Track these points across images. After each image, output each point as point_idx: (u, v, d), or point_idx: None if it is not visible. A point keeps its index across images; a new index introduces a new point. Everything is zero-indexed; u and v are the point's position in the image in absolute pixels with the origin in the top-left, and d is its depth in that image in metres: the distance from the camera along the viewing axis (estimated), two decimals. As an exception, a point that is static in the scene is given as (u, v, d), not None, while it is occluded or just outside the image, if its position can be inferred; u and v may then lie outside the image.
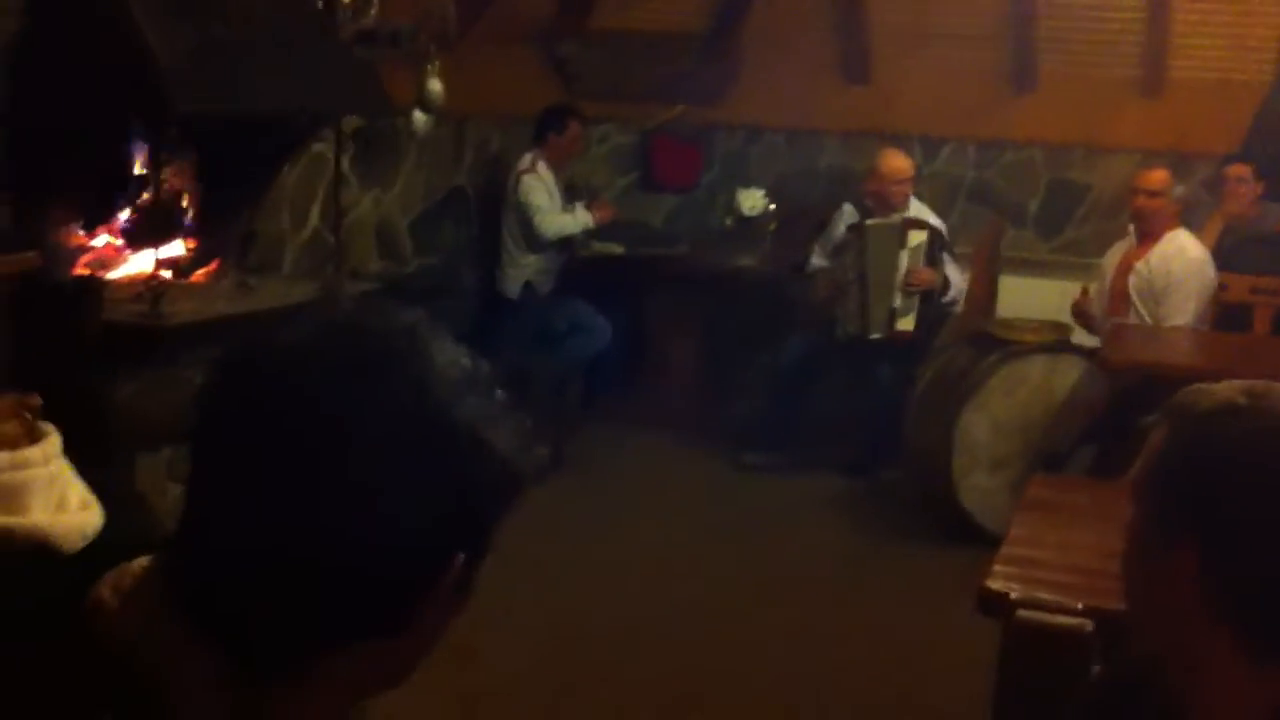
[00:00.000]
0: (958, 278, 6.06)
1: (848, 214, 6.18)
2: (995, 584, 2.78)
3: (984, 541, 4.74)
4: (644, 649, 4.22)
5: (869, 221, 6.00)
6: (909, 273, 5.89)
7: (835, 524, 5.48)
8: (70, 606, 1.11)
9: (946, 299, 6.02)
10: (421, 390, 0.92)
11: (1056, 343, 5.37)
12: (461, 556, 0.96)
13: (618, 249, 6.51)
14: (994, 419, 5.18)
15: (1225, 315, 5.49)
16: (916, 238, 5.92)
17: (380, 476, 0.90)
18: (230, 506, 0.92)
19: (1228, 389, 1.37)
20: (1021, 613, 2.58)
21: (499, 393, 0.98)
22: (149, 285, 4.00)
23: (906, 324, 5.92)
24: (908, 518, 5.46)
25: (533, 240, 6.13)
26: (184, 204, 4.57)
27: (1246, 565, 1.29)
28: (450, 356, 0.96)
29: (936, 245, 5.96)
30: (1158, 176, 5.46)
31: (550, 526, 4.96)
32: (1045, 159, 7.04)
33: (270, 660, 0.94)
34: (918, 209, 6.10)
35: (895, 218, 6.00)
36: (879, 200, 6.05)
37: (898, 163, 6.06)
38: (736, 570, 4.92)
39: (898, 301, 5.92)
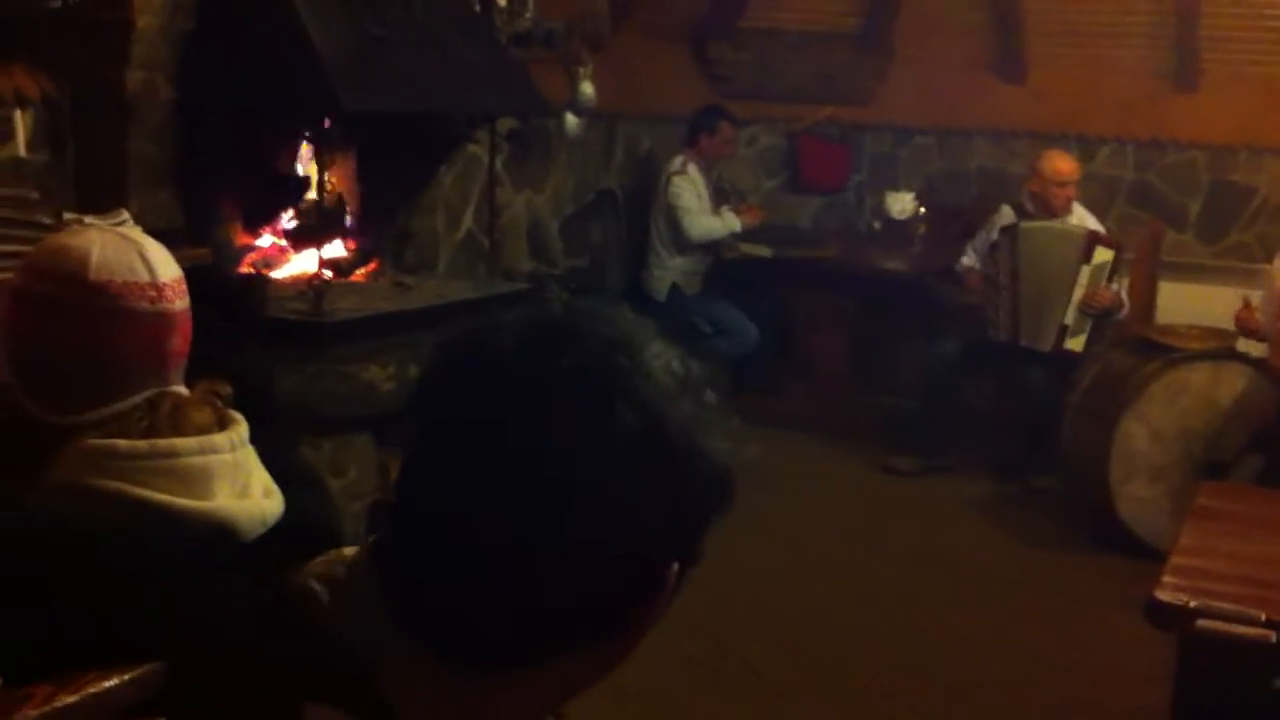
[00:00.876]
0: (1125, 296, 5.84)
1: (1005, 215, 6.03)
2: (1168, 594, 2.70)
3: (1140, 552, 4.64)
4: (791, 652, 4.20)
5: (1024, 224, 5.84)
6: (1091, 293, 5.67)
7: (986, 529, 5.39)
8: (253, 590, 1.13)
9: (1121, 316, 5.82)
10: (640, 402, 0.92)
11: (1221, 350, 5.20)
12: (677, 565, 0.96)
13: (765, 251, 6.48)
14: (1154, 427, 5.03)
15: None
16: (1103, 255, 5.69)
17: (601, 489, 0.90)
18: (450, 510, 0.92)
19: None
20: (1201, 623, 2.50)
21: (710, 394, 0.97)
22: (311, 284, 4.10)
23: (1077, 344, 5.71)
24: (1061, 525, 5.34)
25: (681, 242, 6.14)
26: (345, 205, 4.68)
27: None
28: (663, 361, 0.96)
29: (1118, 262, 5.74)
30: None
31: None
32: (1207, 160, 6.82)
33: (488, 663, 0.95)
34: (1080, 215, 5.92)
35: (1066, 224, 5.80)
36: (1040, 202, 5.90)
37: (1062, 164, 5.88)
38: (886, 574, 4.87)
39: (1070, 319, 5.70)
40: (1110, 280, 5.72)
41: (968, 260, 6.17)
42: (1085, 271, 5.69)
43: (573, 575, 0.90)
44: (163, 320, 1.78)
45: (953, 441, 5.96)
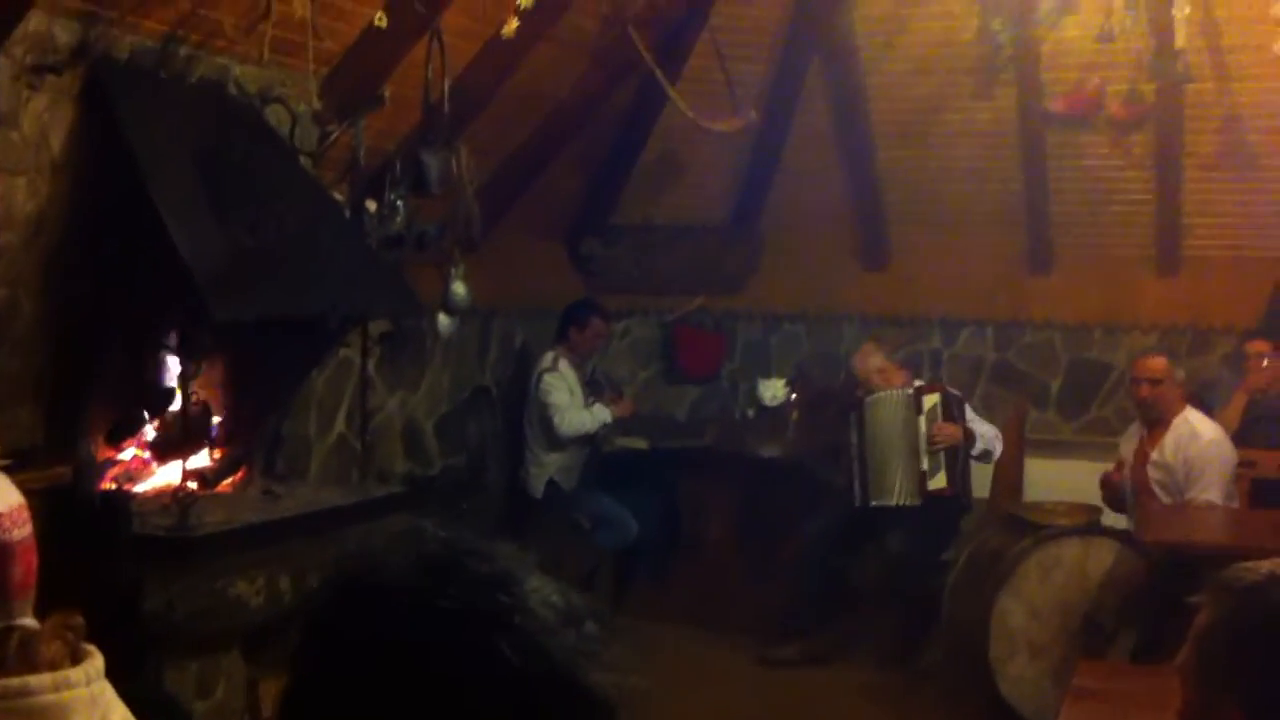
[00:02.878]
0: (986, 429, 6.09)
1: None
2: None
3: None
4: None
5: (867, 398, 6.12)
6: (931, 433, 5.94)
7: (873, 714, 5.36)
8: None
9: (977, 452, 6.03)
10: (520, 639, 0.94)
11: (1089, 524, 5.32)
12: None
13: (642, 443, 6.52)
14: (1030, 604, 5.10)
15: (1258, 492, 5.43)
16: (930, 400, 6.03)
17: None
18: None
19: (1268, 564, 1.40)
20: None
21: (591, 625, 1.00)
22: (176, 497, 4.02)
23: (939, 482, 5.95)
24: (946, 708, 5.34)
25: (553, 438, 6.15)
26: (211, 414, 4.62)
27: None
28: (542, 596, 0.98)
29: (952, 404, 6.04)
30: (1156, 364, 5.39)
31: None
32: (1065, 339, 7.08)
33: None
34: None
35: (897, 390, 6.10)
36: (868, 384, 6.18)
37: (870, 359, 6.21)
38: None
39: (925, 464, 5.95)
40: (951, 419, 5.97)
41: (842, 438, 6.31)
42: (921, 420, 5.97)
43: None
44: (2, 551, 1.73)
45: (832, 625, 5.96)
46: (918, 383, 6.21)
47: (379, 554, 1.00)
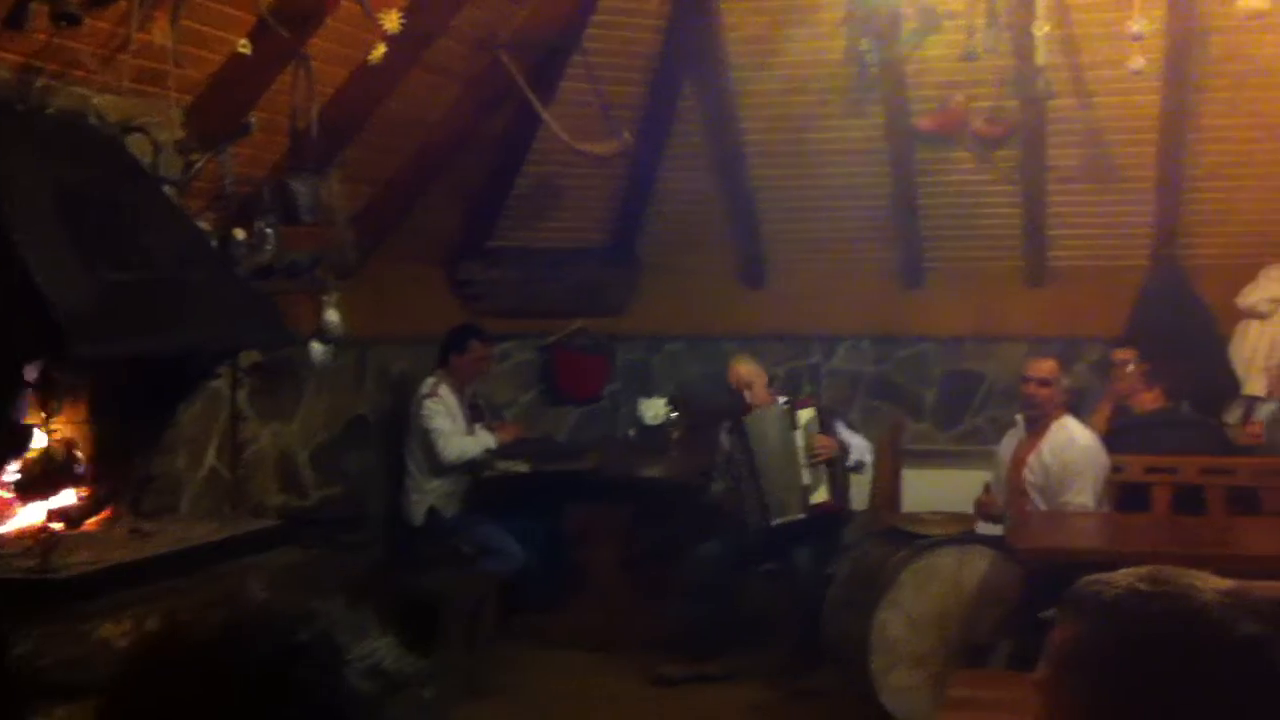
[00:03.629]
0: (858, 441, 6.16)
1: (724, 428, 6.29)
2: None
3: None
4: None
5: (745, 417, 6.13)
6: (809, 447, 5.97)
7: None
8: None
9: (851, 463, 6.10)
10: (318, 709, 0.93)
11: (964, 534, 5.41)
12: None
13: (523, 467, 6.48)
14: (909, 615, 5.16)
15: (1125, 496, 5.57)
16: (805, 415, 6.05)
17: None
18: None
19: (1125, 577, 1.38)
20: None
21: (427, 692, 0.99)
22: (39, 538, 3.90)
23: (821, 495, 5.97)
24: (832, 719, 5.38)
25: (436, 464, 6.09)
26: (75, 452, 4.49)
27: None
28: (369, 664, 0.97)
29: (826, 417, 6.10)
30: (1048, 365, 5.58)
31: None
32: (938, 351, 7.23)
33: None
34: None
35: (772, 407, 6.12)
36: (743, 402, 6.19)
37: (744, 368, 6.25)
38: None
39: (807, 478, 5.97)
40: (827, 432, 6.02)
41: (718, 486, 6.36)
42: (798, 434, 5.99)
43: None
44: None
45: (723, 644, 5.98)
46: (783, 399, 6.23)
47: (198, 613, 0.99)
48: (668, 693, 5.80)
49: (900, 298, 7.21)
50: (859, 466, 6.15)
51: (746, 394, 6.19)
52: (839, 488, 6.04)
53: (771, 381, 6.41)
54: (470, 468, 6.24)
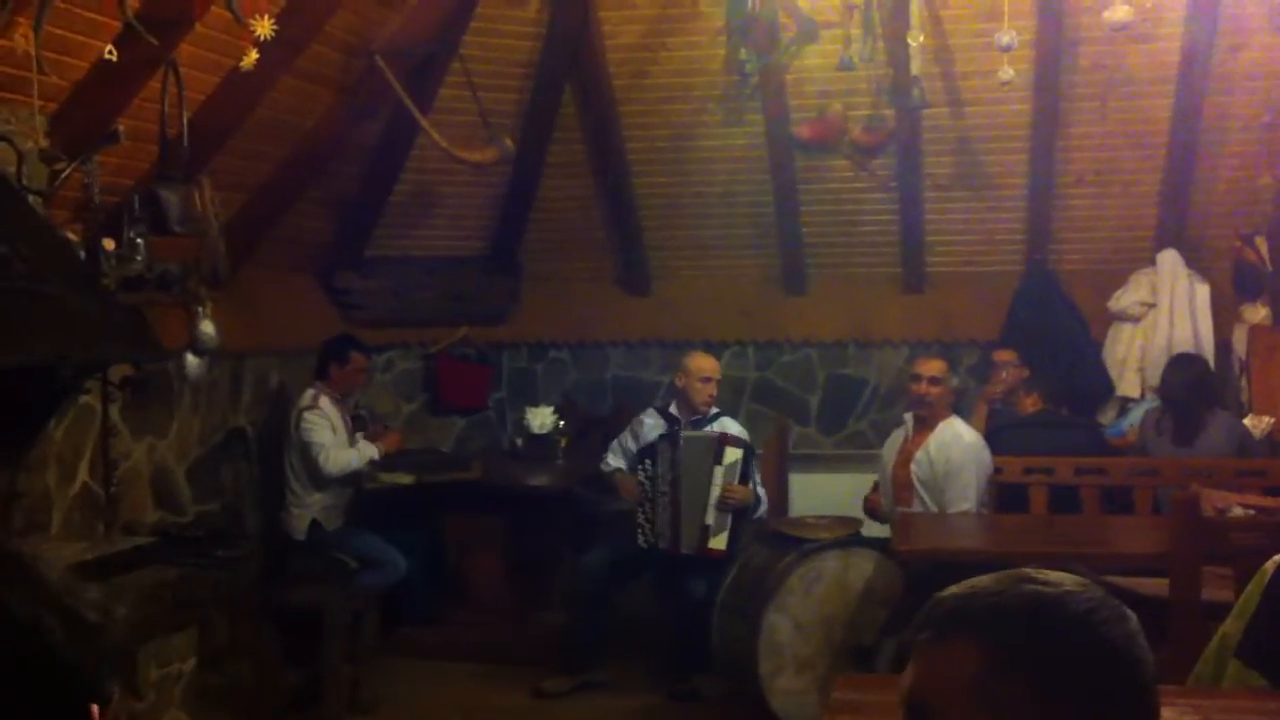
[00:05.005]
0: (762, 492, 6.05)
1: (650, 422, 6.20)
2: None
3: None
4: None
5: (685, 433, 6.01)
6: (724, 490, 5.84)
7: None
8: None
9: (756, 515, 6.00)
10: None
11: (848, 537, 5.46)
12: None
13: (407, 478, 6.39)
14: (795, 618, 5.20)
15: (1004, 496, 5.67)
16: (732, 455, 5.89)
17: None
18: None
19: (999, 581, 1.36)
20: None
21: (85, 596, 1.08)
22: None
23: (719, 542, 5.83)
24: (722, 726, 5.39)
25: (317, 478, 5.97)
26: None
27: None
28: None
29: (747, 461, 5.94)
30: (937, 365, 5.67)
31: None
32: (821, 357, 7.30)
33: None
34: (724, 422, 6.13)
35: (709, 432, 6.00)
36: (684, 400, 6.11)
37: (705, 362, 6.16)
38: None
39: (711, 519, 5.84)
40: (745, 480, 5.92)
41: (613, 460, 6.27)
42: (719, 471, 5.88)
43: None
44: None
45: (606, 654, 5.96)
46: (737, 432, 6.04)
47: None
48: (551, 704, 5.77)
49: (782, 304, 7.26)
50: (760, 520, 6.02)
51: (699, 386, 6.03)
52: (735, 538, 5.86)
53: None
54: (353, 480, 6.13)
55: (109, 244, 5.08)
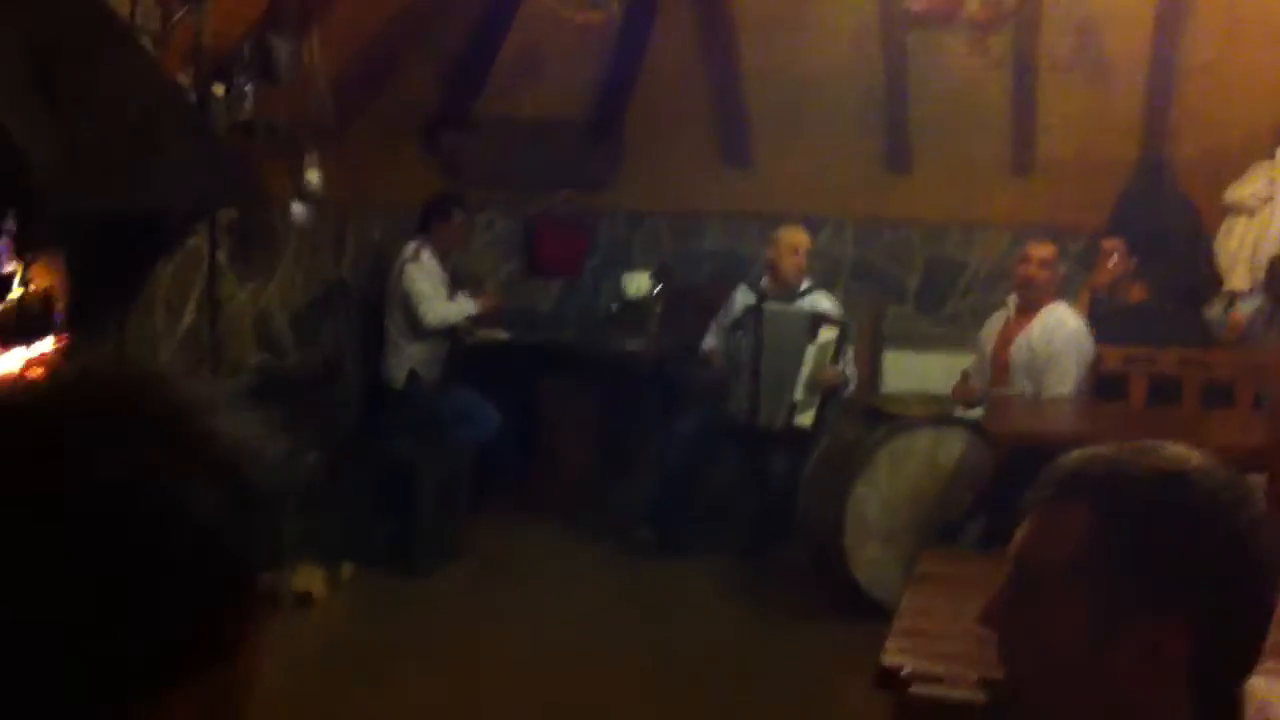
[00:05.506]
0: (853, 371, 6.05)
1: (741, 296, 6.20)
2: (888, 659, 2.78)
3: (880, 615, 4.75)
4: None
5: (771, 307, 6.01)
6: (817, 371, 5.83)
7: (729, 603, 5.45)
8: None
9: (844, 395, 6.00)
10: (171, 422, 0.89)
11: (941, 416, 5.44)
12: (258, 575, 0.94)
13: (503, 336, 6.47)
14: (883, 493, 5.21)
15: (1102, 385, 5.60)
16: (827, 334, 5.88)
17: (146, 511, 0.87)
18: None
19: (1122, 449, 1.33)
20: (914, 689, 2.57)
21: (253, 414, 0.96)
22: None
23: (806, 419, 5.85)
24: (802, 594, 5.45)
25: (417, 329, 6.07)
26: (53, 302, 4.44)
27: (1235, 632, 1.26)
28: (197, 386, 0.94)
29: (842, 341, 5.92)
30: (1048, 248, 5.59)
31: (444, 617, 4.89)
32: (922, 237, 7.20)
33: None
34: (816, 299, 6.10)
35: (800, 308, 5.98)
36: (775, 275, 6.09)
37: (795, 234, 6.12)
38: (630, 654, 4.85)
39: (800, 395, 5.85)
40: (837, 359, 5.91)
41: (711, 340, 6.30)
42: (811, 350, 5.87)
43: (147, 597, 0.86)
44: None
45: (691, 520, 6.03)
46: (830, 308, 6.02)
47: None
48: (635, 564, 5.86)
49: (886, 182, 7.15)
50: (849, 397, 6.01)
51: (789, 258, 6.00)
52: (823, 418, 5.88)
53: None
54: (450, 334, 6.22)
55: (219, 90, 5.13)
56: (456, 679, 4.48)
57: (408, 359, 6.11)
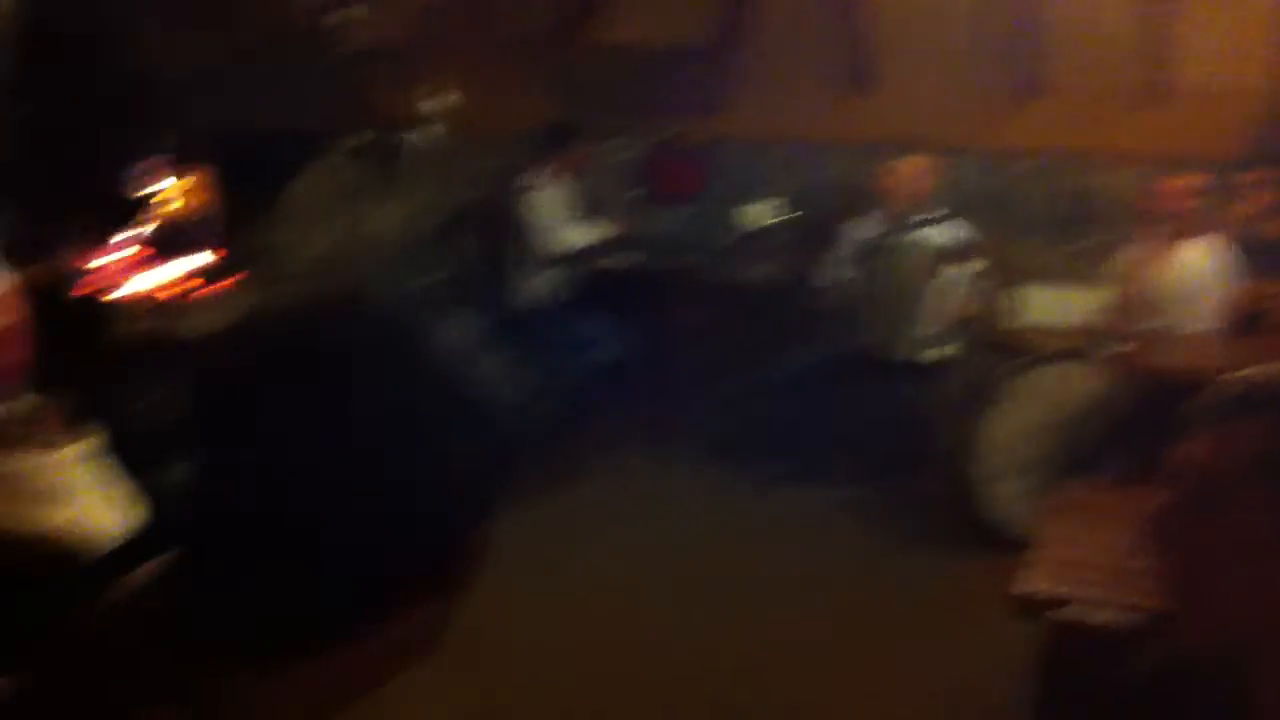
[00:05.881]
0: (984, 300, 5.91)
1: (861, 227, 6.10)
2: (1031, 585, 2.76)
3: (1009, 548, 4.69)
4: (655, 658, 4.15)
5: (893, 238, 5.91)
6: (949, 303, 5.75)
7: (854, 531, 5.43)
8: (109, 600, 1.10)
9: (975, 323, 5.88)
10: (426, 359, 0.93)
11: (1075, 349, 5.33)
12: (477, 519, 0.95)
13: (624, 262, 6.46)
14: (1016, 426, 5.12)
15: (1241, 320, 5.45)
16: (953, 265, 5.78)
17: (388, 441, 0.89)
18: (242, 477, 0.92)
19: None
20: (1066, 610, 2.54)
21: (500, 356, 0.97)
22: (168, 298, 3.96)
23: (937, 352, 5.78)
24: (932, 526, 5.40)
25: (537, 255, 6.08)
26: (205, 218, 4.54)
27: None
28: (454, 322, 0.97)
29: (971, 271, 5.82)
30: (1191, 179, 5.43)
31: (560, 539, 4.92)
32: (1057, 167, 7.00)
33: (296, 630, 0.91)
34: (939, 231, 5.99)
35: (923, 239, 5.87)
36: (894, 205, 5.98)
37: (915, 162, 6.04)
38: (751, 581, 4.85)
39: (933, 329, 5.77)
40: (964, 289, 5.81)
41: (829, 270, 6.22)
42: (936, 282, 5.77)
43: (382, 524, 0.89)
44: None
45: (820, 453, 5.99)
46: (960, 238, 5.93)
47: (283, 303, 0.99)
48: (762, 495, 5.84)
49: (1017, 109, 6.97)
50: (981, 321, 5.87)
51: (904, 193, 5.93)
52: (961, 348, 5.78)
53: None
54: (572, 260, 6.22)
55: (351, 13, 5.16)
56: (563, 598, 4.48)
57: (530, 285, 6.13)
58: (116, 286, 4.29)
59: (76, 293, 4.12)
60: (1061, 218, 7.04)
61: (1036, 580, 2.89)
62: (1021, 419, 5.13)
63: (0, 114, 3.81)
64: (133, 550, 1.63)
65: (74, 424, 1.72)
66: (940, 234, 5.91)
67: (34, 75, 3.87)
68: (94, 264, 4.30)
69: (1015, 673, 3.89)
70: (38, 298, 3.81)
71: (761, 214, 6.86)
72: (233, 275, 4.57)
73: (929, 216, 6.01)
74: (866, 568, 5.06)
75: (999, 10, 6.68)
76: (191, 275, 4.25)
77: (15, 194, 3.85)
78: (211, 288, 4.47)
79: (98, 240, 4.30)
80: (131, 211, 4.35)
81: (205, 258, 4.51)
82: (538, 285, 6.15)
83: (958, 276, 5.78)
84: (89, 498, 1.66)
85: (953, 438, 5.26)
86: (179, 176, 4.20)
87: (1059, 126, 6.89)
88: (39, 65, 3.89)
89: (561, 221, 6.14)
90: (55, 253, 3.98)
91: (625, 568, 4.98)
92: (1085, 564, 3.00)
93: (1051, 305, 6.16)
